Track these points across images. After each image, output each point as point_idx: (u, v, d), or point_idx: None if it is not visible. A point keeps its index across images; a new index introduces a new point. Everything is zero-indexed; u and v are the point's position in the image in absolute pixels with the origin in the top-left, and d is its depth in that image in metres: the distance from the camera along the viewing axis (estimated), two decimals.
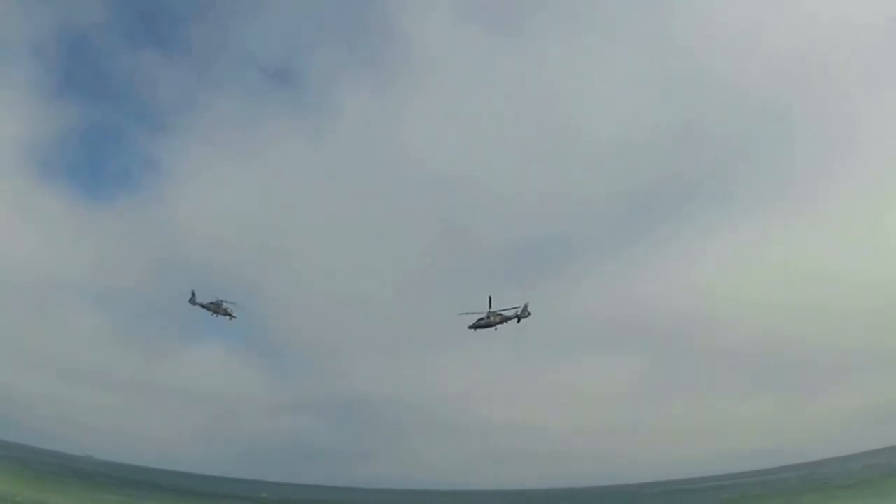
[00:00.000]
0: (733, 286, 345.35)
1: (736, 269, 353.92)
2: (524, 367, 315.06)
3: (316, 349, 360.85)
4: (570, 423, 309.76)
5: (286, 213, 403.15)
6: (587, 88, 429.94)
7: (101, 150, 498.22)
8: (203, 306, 77.33)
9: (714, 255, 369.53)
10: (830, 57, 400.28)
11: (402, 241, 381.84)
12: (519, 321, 67.60)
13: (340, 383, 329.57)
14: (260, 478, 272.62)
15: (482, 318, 67.02)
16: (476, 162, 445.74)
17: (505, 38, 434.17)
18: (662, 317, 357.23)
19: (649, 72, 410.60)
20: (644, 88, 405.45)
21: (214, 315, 77.22)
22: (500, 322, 68.17)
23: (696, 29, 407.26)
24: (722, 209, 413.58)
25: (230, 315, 78.36)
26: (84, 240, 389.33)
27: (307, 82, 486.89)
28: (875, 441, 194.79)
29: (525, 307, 67.15)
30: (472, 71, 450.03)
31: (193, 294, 77.62)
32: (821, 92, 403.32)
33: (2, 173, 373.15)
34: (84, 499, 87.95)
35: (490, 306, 66.82)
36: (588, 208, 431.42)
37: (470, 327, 67.86)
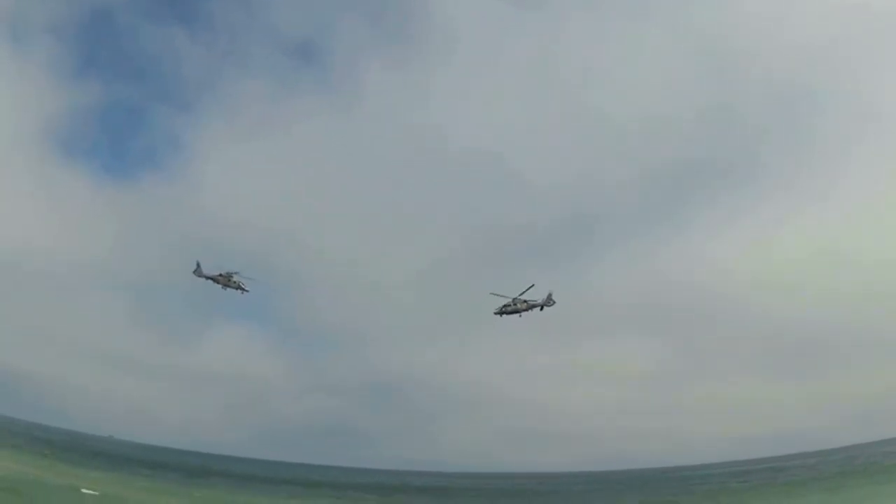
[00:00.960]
0: (757, 268, 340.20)
1: (760, 251, 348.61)
2: (549, 349, 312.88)
3: (340, 332, 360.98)
4: (594, 405, 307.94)
5: (310, 194, 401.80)
6: (613, 69, 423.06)
7: (122, 130, 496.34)
8: (210, 278, 71.05)
9: (738, 237, 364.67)
10: (853, 43, 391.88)
11: (427, 222, 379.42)
12: (542, 309, 68.30)
13: (365, 366, 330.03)
14: (283, 459, 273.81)
15: (508, 305, 67.91)
16: (500, 141, 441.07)
17: (527, 14, 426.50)
18: (686, 299, 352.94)
19: (674, 54, 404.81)
20: (668, 70, 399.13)
21: (224, 288, 70.97)
22: (526, 309, 68.30)
23: (721, 12, 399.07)
24: (745, 191, 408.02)
25: (242, 288, 72.05)
26: (105, 220, 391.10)
27: (330, 59, 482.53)
28: None
29: (549, 296, 67.85)
30: (494, 47, 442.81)
31: (198, 265, 70.67)
32: (843, 77, 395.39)
33: (23, 154, 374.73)
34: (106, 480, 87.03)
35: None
36: (613, 189, 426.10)
37: (496, 313, 68.53)
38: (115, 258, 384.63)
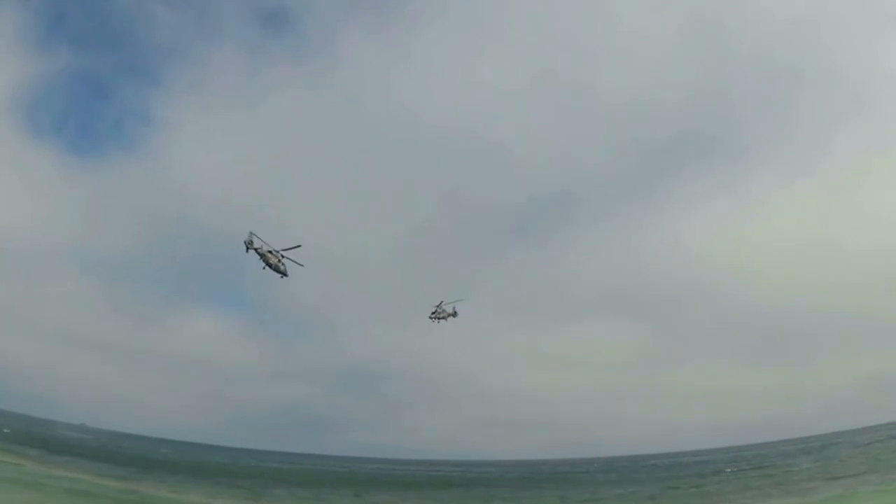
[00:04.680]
0: (736, 252, 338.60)
1: (739, 235, 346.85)
2: (525, 333, 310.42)
3: (314, 316, 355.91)
4: (571, 391, 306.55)
5: (284, 171, 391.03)
6: (600, 46, 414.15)
7: (89, 103, 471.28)
8: (260, 254, 62.91)
9: (717, 219, 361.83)
10: (841, 24, 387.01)
11: (404, 199, 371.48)
12: (447, 319, 75.00)
13: (338, 351, 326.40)
14: (255, 447, 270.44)
15: (435, 311, 73.99)
16: (482, 116, 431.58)
17: None
18: (664, 282, 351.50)
19: (660, 32, 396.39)
20: (655, 48, 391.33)
21: (263, 268, 63.36)
22: (446, 317, 74.22)
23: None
24: (726, 171, 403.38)
25: (285, 273, 64.89)
26: (73, 199, 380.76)
27: (305, 27, 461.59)
28: (885, 414, 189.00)
29: (454, 308, 74.63)
30: (479, 18, 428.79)
31: (251, 236, 61.80)
32: (830, 58, 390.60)
33: None
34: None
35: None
36: (594, 167, 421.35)
37: (430, 317, 73.98)
38: (83, 239, 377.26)
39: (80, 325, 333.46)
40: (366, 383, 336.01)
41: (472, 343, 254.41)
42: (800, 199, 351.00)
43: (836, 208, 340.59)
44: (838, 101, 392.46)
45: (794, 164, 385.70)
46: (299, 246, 62.93)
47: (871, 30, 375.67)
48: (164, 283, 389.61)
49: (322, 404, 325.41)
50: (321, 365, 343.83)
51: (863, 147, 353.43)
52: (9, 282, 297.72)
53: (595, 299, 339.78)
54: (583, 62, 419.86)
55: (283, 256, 62.16)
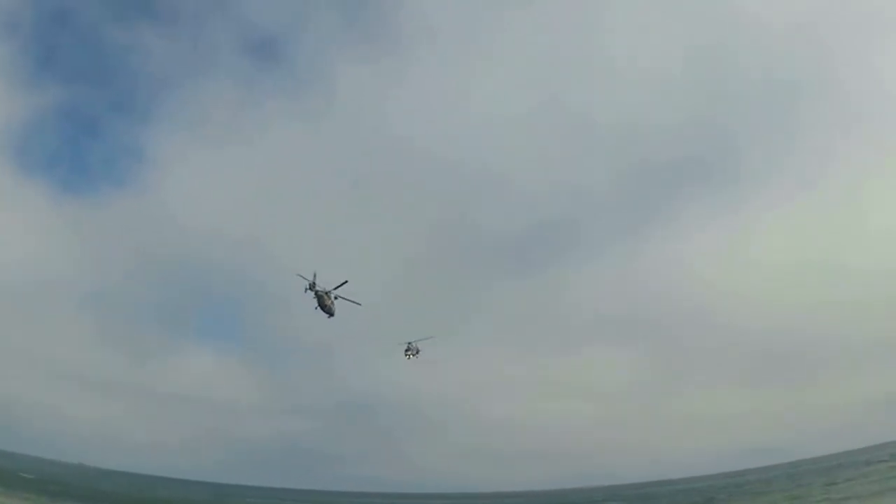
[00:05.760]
0: (734, 277, 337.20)
1: (737, 259, 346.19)
2: (525, 362, 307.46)
3: (311, 348, 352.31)
4: (572, 419, 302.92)
5: (280, 203, 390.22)
6: (595, 66, 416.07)
7: (82, 140, 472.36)
8: (318, 295, 62.00)
9: (715, 244, 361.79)
10: (840, 35, 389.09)
11: (400, 228, 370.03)
12: (416, 355, 78.16)
13: (335, 384, 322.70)
14: (252, 483, 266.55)
15: (408, 349, 76.65)
16: (475, 143, 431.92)
17: (510, 13, 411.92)
18: (666, 307, 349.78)
19: (657, 54, 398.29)
20: (652, 72, 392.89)
21: (315, 308, 62.95)
22: (415, 353, 76.80)
23: (707, 14, 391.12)
24: (723, 196, 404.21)
25: (332, 313, 64.51)
26: (67, 236, 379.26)
27: (298, 58, 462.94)
28: (885, 434, 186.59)
29: (417, 348, 77.42)
30: (471, 40, 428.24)
31: (315, 276, 61.71)
32: (828, 72, 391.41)
33: None
34: None
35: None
36: (591, 194, 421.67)
37: (405, 352, 76.70)
38: (77, 276, 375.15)
39: (75, 361, 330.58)
40: (364, 415, 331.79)
41: (471, 373, 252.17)
42: (801, 217, 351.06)
43: (839, 225, 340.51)
44: (838, 115, 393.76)
45: (795, 181, 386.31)
46: (346, 282, 63.53)
47: (870, 41, 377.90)
48: (160, 318, 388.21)
49: (320, 438, 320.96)
50: (319, 397, 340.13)
51: (864, 160, 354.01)
52: (3, 318, 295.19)
53: (595, 326, 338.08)
54: (580, 86, 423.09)
55: (336, 298, 62.58)
